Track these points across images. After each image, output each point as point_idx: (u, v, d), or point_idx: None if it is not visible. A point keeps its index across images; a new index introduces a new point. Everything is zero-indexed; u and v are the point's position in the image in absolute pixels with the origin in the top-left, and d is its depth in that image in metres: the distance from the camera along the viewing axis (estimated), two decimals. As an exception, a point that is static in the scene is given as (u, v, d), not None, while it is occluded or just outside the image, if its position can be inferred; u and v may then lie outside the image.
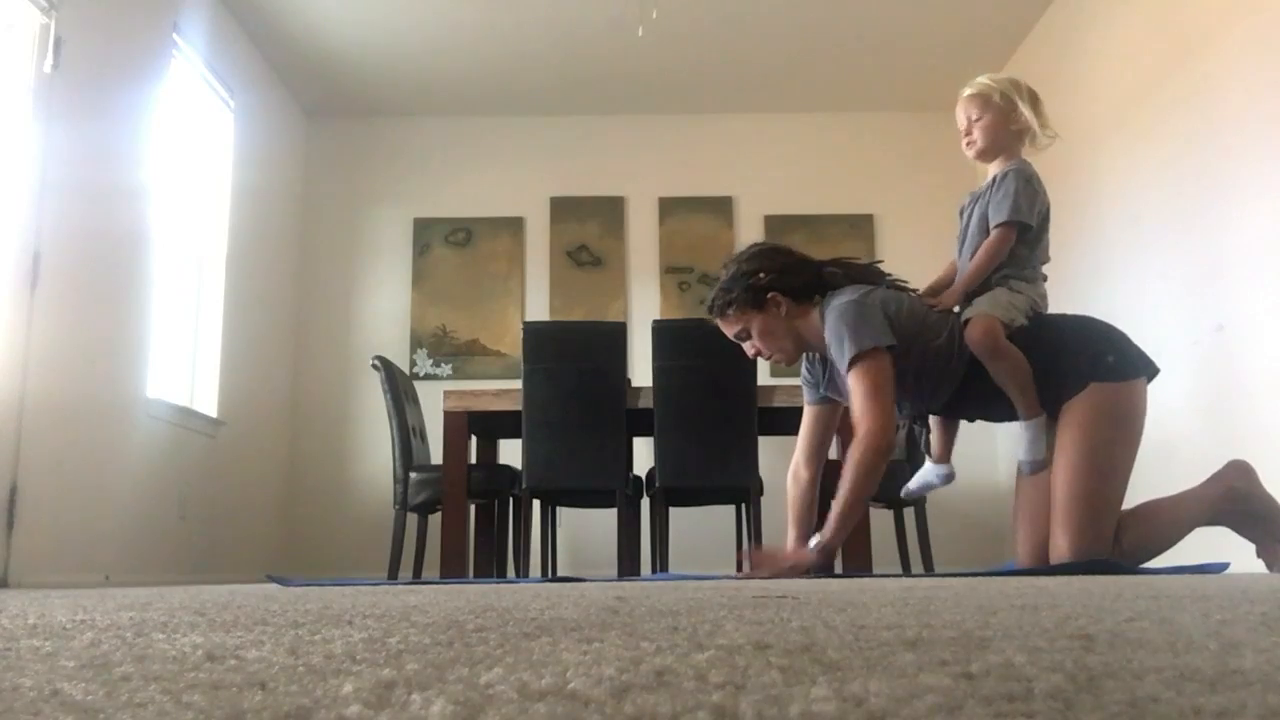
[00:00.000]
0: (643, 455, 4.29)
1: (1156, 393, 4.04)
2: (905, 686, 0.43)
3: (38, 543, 3.35)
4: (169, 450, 4.28)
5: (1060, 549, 2.38)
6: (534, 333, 3.90)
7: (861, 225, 5.94)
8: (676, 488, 3.82)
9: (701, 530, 4.95)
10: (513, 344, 5.63)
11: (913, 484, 2.81)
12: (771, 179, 6.00)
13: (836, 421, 2.84)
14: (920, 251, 4.82)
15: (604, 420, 3.76)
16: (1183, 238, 3.86)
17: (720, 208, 5.99)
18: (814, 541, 2.50)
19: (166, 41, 4.40)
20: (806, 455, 2.77)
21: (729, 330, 2.70)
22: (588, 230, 5.96)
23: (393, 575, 4.05)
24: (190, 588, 2.83)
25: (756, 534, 3.83)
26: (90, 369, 3.70)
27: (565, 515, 4.93)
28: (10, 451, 3.25)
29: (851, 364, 2.44)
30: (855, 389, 2.45)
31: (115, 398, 3.88)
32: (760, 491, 3.81)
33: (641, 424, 3.86)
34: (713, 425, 3.75)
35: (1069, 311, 2.73)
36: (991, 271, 2.57)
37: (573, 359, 3.79)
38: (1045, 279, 2.68)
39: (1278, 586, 1.43)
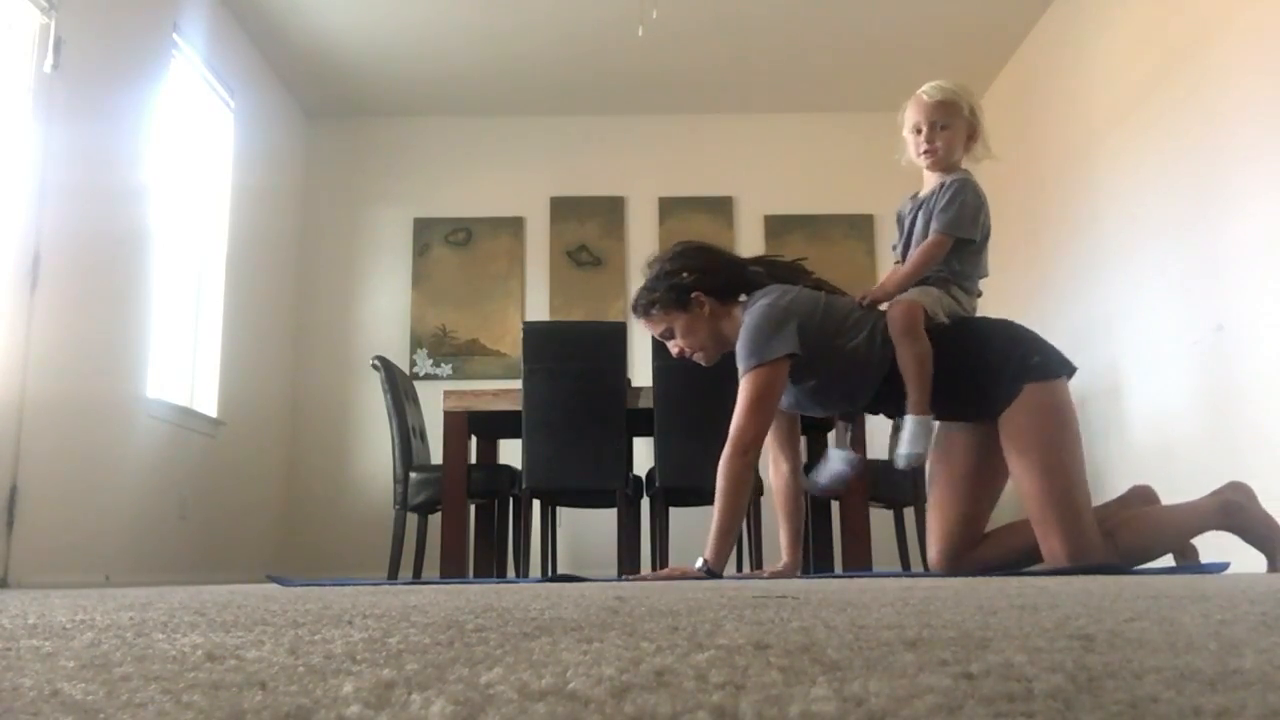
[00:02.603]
0: (643, 455, 4.29)
1: (1156, 393, 4.05)
2: (905, 686, 0.43)
3: (38, 543, 3.35)
4: (169, 450, 4.28)
5: (1056, 553, 2.39)
6: (534, 333, 3.90)
7: (861, 225, 5.94)
8: (676, 488, 3.82)
9: (701, 530, 4.91)
10: (513, 344, 5.63)
11: (823, 479, 2.72)
12: (771, 179, 6.00)
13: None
14: (920, 251, 4.81)
15: (604, 420, 3.76)
16: (1182, 237, 3.86)
17: (720, 208, 5.99)
18: (699, 564, 2.51)
19: (166, 41, 4.40)
20: (779, 446, 2.75)
21: (653, 330, 2.72)
22: (588, 230, 5.96)
23: (393, 575, 4.05)
24: (190, 588, 2.83)
25: (757, 533, 3.83)
26: (90, 369, 3.70)
27: (565, 515, 4.93)
28: (10, 451, 3.25)
29: (747, 371, 2.48)
30: (742, 395, 2.49)
31: (115, 398, 3.88)
32: (761, 491, 3.80)
33: (641, 424, 3.86)
34: (713, 425, 3.73)
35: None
36: (926, 276, 2.57)
37: (573, 359, 3.79)
38: (980, 294, 2.67)
39: (1278, 587, 1.43)
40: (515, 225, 5.97)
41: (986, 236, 2.63)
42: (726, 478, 2.48)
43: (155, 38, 4.31)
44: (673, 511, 4.07)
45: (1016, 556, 2.57)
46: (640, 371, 4.82)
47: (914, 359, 2.45)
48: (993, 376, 2.47)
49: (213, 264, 4.89)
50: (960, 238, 2.54)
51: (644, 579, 2.63)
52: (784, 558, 2.73)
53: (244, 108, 5.15)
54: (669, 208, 5.99)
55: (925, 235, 2.59)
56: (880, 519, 4.00)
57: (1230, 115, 3.57)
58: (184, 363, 4.66)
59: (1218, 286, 3.63)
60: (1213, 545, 2.62)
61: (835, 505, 3.88)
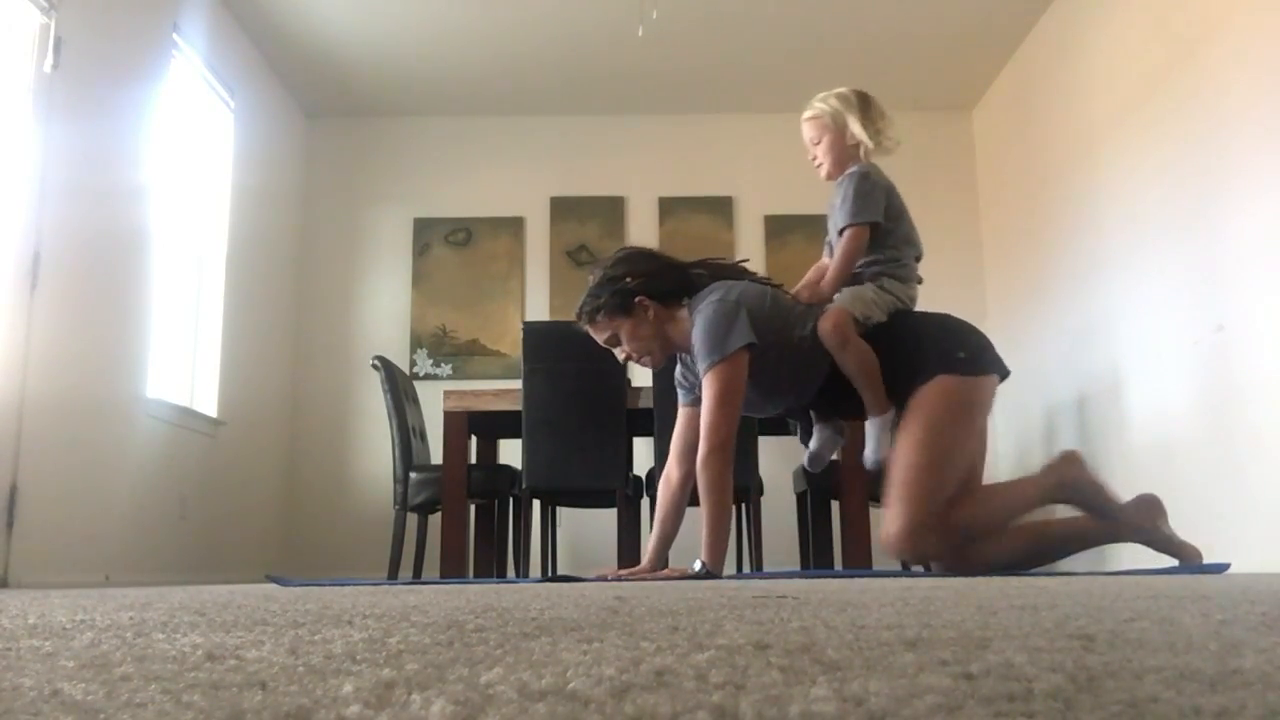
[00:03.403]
0: (643, 455, 4.29)
1: (1156, 393, 4.04)
2: (905, 686, 0.43)
3: (38, 543, 3.35)
4: (169, 450, 4.28)
5: (894, 519, 2.44)
6: (534, 333, 3.90)
7: (861, 225, 5.94)
8: (676, 488, 3.82)
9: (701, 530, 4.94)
10: (513, 344, 5.63)
11: (818, 449, 2.78)
12: (771, 179, 6.00)
13: None
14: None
15: (604, 420, 3.76)
16: (1183, 237, 3.86)
17: (720, 208, 5.99)
18: (697, 565, 2.52)
19: (166, 41, 4.40)
20: (679, 456, 2.76)
21: (599, 336, 2.72)
22: (588, 230, 5.96)
23: (393, 575, 4.05)
24: (190, 588, 2.83)
25: (756, 532, 3.83)
26: (90, 369, 3.70)
27: (565, 515, 4.93)
28: (10, 451, 3.25)
29: (710, 368, 2.49)
30: (707, 392, 2.51)
31: (115, 398, 3.88)
32: (760, 491, 3.81)
33: (641, 424, 3.86)
34: (713, 425, 3.74)
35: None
36: (860, 268, 2.65)
37: (573, 359, 3.78)
38: (920, 280, 2.70)
39: (1278, 587, 1.43)
40: (515, 225, 5.97)
41: (897, 214, 2.70)
42: (707, 477, 2.51)
43: (155, 38, 4.31)
44: (673, 511, 4.06)
45: (1021, 558, 2.58)
46: (640, 371, 4.83)
47: (855, 364, 2.52)
48: (913, 367, 2.52)
49: (213, 264, 4.88)
50: (864, 223, 2.61)
51: (642, 577, 2.64)
52: (648, 557, 2.74)
53: (244, 108, 5.15)
54: (669, 208, 5.99)
55: (837, 238, 2.70)
56: (880, 519, 3.99)
57: (1231, 115, 3.57)
58: (184, 363, 4.66)
59: (1218, 286, 3.63)
60: (1214, 546, 2.62)
61: (835, 505, 3.88)
